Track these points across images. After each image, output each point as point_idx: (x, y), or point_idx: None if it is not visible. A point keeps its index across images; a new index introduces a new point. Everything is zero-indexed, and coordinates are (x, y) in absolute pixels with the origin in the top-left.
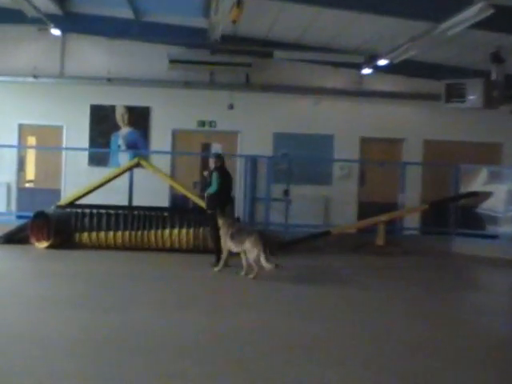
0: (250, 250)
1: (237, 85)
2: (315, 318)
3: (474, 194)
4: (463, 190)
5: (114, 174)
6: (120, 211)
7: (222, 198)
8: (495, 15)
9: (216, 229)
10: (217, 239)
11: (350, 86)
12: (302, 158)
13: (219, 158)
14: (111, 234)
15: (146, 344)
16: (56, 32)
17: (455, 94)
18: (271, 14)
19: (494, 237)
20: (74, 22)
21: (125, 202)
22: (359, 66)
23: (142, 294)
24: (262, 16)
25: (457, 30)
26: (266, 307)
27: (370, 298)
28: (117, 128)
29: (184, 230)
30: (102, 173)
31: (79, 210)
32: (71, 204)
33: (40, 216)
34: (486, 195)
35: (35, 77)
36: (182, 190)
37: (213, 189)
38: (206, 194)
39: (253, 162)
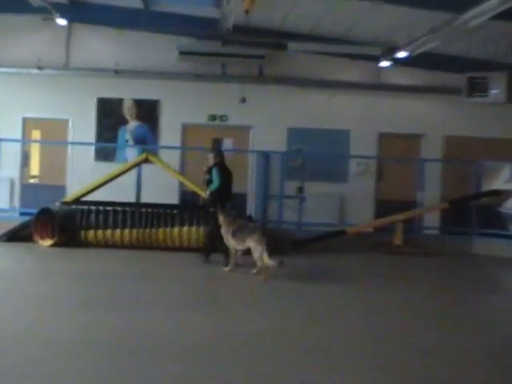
0: (254, 248)
1: (249, 77)
2: (322, 320)
3: (496, 193)
4: (484, 188)
5: (122, 170)
6: (127, 208)
7: (223, 195)
8: None
9: (218, 227)
10: (216, 237)
11: (367, 79)
12: (317, 154)
13: (219, 153)
14: (118, 231)
15: (147, 345)
16: (62, 22)
17: (477, 87)
18: (285, 3)
19: None
20: (81, 12)
21: (132, 199)
22: (377, 59)
23: (147, 294)
24: (276, 6)
25: (478, 21)
26: (273, 308)
27: (385, 299)
28: (124, 122)
29: (193, 228)
30: (108, 168)
31: (85, 207)
32: (77, 200)
33: (44, 213)
34: (509, 193)
35: (40, 68)
36: (191, 187)
37: (214, 186)
38: (208, 192)
39: (265, 157)
